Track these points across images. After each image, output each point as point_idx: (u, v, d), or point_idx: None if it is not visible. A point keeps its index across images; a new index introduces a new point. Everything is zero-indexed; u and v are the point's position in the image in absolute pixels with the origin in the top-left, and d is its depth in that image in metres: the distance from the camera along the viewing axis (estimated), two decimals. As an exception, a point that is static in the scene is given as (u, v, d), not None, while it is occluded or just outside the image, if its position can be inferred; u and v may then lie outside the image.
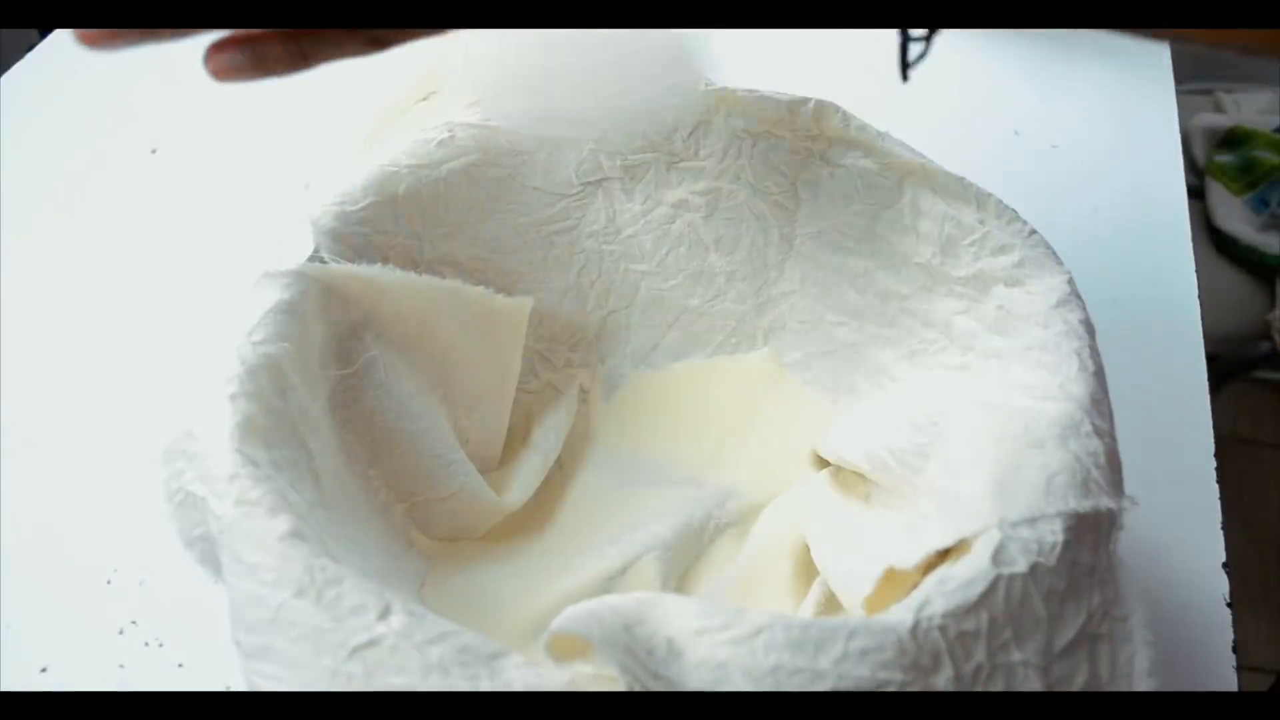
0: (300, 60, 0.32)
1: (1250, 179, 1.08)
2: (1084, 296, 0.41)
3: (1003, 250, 0.43)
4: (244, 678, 0.34)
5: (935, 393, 0.43)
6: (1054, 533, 0.33)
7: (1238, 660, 0.44)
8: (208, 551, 0.35)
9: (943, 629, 0.30)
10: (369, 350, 0.42)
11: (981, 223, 0.44)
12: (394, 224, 0.45)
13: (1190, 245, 0.62)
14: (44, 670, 0.42)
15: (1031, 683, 0.31)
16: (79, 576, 0.45)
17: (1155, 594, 0.45)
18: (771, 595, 0.44)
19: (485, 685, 0.30)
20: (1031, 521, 0.33)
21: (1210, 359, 0.57)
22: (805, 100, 0.48)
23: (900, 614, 0.31)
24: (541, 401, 0.50)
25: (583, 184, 0.50)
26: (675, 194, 0.50)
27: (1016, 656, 0.31)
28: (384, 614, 0.31)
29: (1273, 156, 1.06)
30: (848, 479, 0.46)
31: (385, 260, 0.43)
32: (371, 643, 0.30)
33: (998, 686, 0.31)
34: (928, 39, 0.34)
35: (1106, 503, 0.34)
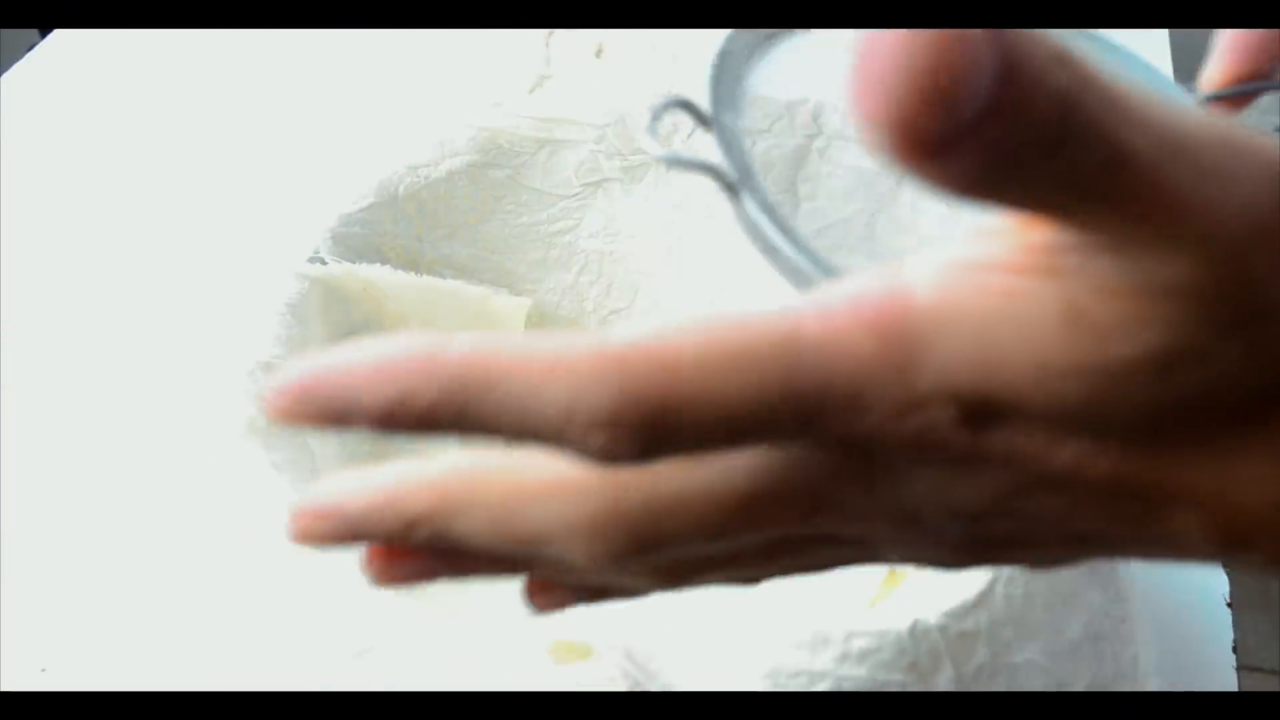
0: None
1: (1250, 179, 1.08)
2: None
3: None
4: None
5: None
6: (1054, 533, 0.33)
7: (1238, 660, 0.44)
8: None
9: (942, 629, 0.30)
10: (369, 350, 0.42)
11: (981, 222, 0.44)
12: (394, 224, 0.45)
13: (1190, 245, 0.62)
14: (44, 670, 0.42)
15: (1035, 682, 0.31)
16: (79, 576, 0.45)
17: (1155, 594, 0.45)
18: (772, 595, 0.44)
19: (486, 685, 0.30)
20: (1032, 521, 0.33)
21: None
22: (804, 100, 0.48)
23: (899, 614, 0.31)
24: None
25: (583, 184, 0.50)
26: (675, 194, 0.50)
27: (1019, 656, 0.31)
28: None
29: (1273, 156, 1.06)
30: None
31: (385, 260, 0.43)
32: (369, 648, 0.30)
33: (1000, 686, 0.31)
34: None
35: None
